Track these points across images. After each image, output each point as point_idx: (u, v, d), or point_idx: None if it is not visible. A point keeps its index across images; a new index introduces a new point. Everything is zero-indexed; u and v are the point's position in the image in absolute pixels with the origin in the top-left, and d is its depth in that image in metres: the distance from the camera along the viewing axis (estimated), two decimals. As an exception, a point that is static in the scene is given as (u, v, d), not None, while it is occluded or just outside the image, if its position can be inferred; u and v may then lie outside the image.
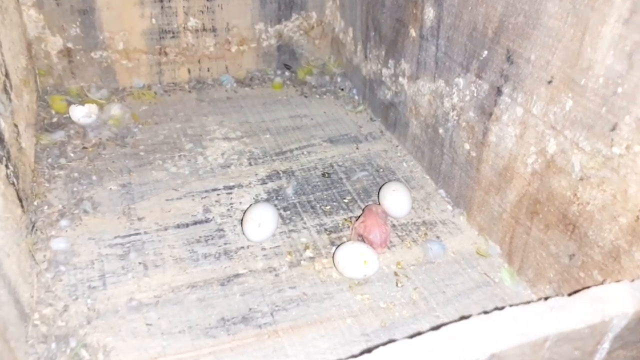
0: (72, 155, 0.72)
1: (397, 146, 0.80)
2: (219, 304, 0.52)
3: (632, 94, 0.41)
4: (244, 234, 0.60)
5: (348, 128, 0.84)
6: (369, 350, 0.32)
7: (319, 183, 0.71)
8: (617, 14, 0.42)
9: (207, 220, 0.63)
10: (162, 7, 0.85)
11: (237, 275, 0.56)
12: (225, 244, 0.60)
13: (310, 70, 0.99)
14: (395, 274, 0.57)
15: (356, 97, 0.93)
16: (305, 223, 0.64)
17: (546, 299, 0.37)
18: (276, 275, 0.56)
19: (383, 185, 0.68)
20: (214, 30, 0.91)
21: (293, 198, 0.68)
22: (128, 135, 0.78)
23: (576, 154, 0.47)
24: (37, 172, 0.68)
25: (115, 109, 0.80)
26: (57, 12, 0.80)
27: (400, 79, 0.77)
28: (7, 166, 0.53)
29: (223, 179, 0.71)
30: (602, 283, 0.45)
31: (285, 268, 0.57)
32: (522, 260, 0.57)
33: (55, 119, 0.79)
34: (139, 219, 0.62)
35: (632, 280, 0.38)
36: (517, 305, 0.36)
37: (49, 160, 0.70)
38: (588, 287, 0.39)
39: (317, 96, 0.93)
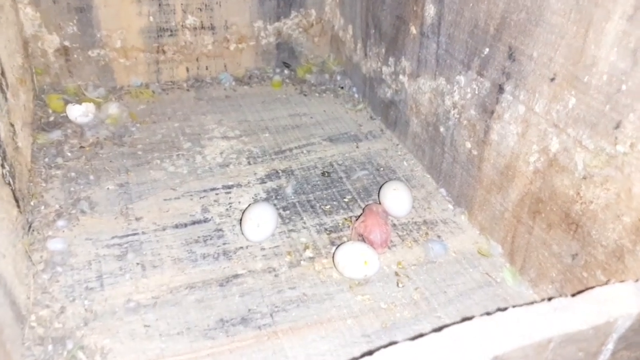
0: (69, 154, 0.71)
1: (397, 145, 0.80)
2: (217, 305, 0.52)
3: (636, 91, 0.41)
4: (243, 234, 0.60)
5: (348, 127, 0.84)
6: (370, 353, 0.32)
7: (318, 182, 0.71)
8: (621, 10, 0.41)
9: (205, 220, 0.63)
10: (159, 5, 0.85)
11: (236, 276, 0.55)
12: (224, 244, 0.59)
13: (310, 68, 0.98)
14: (396, 274, 0.57)
15: (356, 96, 0.92)
16: (305, 223, 0.63)
17: (549, 299, 0.36)
18: (276, 275, 0.56)
19: (383, 184, 0.67)
20: (212, 28, 0.90)
21: (292, 197, 0.68)
22: (126, 134, 0.77)
23: (579, 152, 0.47)
24: (34, 171, 0.67)
25: (112, 108, 0.79)
26: (54, 10, 0.79)
27: (401, 76, 0.76)
28: (3, 166, 0.53)
29: (222, 179, 0.70)
30: (606, 283, 0.45)
31: (284, 268, 0.57)
32: (524, 259, 0.56)
33: (52, 118, 0.78)
34: (137, 219, 0.62)
35: (637, 280, 0.37)
36: (519, 306, 0.36)
37: (46, 159, 0.70)
38: (591, 287, 0.39)
39: (317, 94, 0.92)
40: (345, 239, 0.61)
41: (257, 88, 0.93)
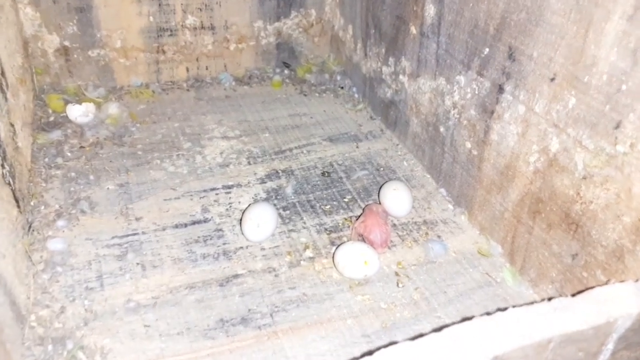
0: (69, 154, 0.71)
1: (397, 145, 0.80)
2: (217, 305, 0.52)
3: (636, 91, 0.41)
4: (243, 234, 0.60)
5: (348, 127, 0.84)
6: (370, 353, 0.32)
7: (318, 182, 0.71)
8: (621, 10, 0.41)
9: (205, 220, 0.63)
10: (159, 5, 0.85)
11: (236, 276, 0.55)
12: (224, 244, 0.59)
13: (310, 68, 0.98)
14: (396, 274, 0.57)
15: (356, 96, 0.92)
16: (305, 223, 0.63)
17: (549, 299, 0.36)
18: (276, 275, 0.56)
19: (383, 184, 0.67)
20: (212, 28, 0.90)
21: (292, 197, 0.68)
22: (126, 134, 0.77)
23: (579, 152, 0.47)
24: (34, 171, 0.67)
25: (112, 108, 0.79)
26: (54, 10, 0.79)
27: (401, 76, 0.76)
28: (3, 166, 0.53)
29: (222, 179, 0.70)
30: (606, 283, 0.45)
31: (284, 268, 0.57)
32: (524, 260, 0.56)
33: (52, 118, 0.78)
34: (137, 219, 0.62)
35: (637, 280, 0.37)
36: (519, 306, 0.36)
37: (46, 159, 0.70)
38: (591, 287, 0.39)
39: (317, 94, 0.92)
40: (345, 239, 0.61)
41: (257, 88, 0.93)
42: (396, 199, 0.64)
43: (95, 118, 0.77)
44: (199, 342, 0.48)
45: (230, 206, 0.65)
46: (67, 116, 0.77)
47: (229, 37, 0.92)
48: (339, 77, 0.96)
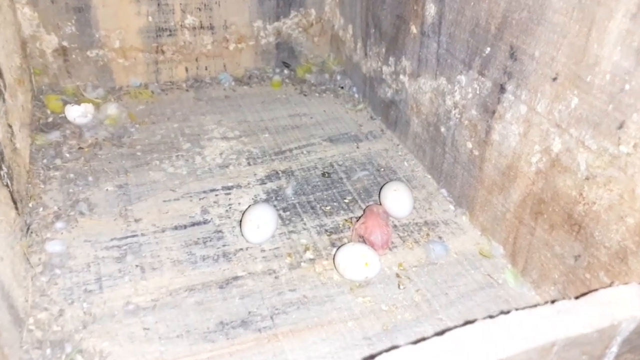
0: (67, 155, 0.71)
1: (398, 145, 0.79)
2: (217, 308, 0.51)
3: (640, 91, 0.40)
4: (242, 235, 0.59)
5: (348, 127, 0.83)
6: (372, 357, 0.31)
7: (318, 183, 0.70)
8: (624, 8, 0.41)
9: (205, 222, 0.62)
10: (158, 5, 0.84)
11: (236, 278, 0.55)
12: (223, 245, 0.59)
13: (310, 68, 0.98)
14: (397, 275, 0.56)
15: (356, 96, 0.92)
16: (305, 224, 0.63)
17: (553, 302, 0.36)
18: (276, 277, 0.55)
19: (384, 185, 0.67)
20: (211, 27, 0.89)
21: (293, 198, 0.67)
22: (125, 135, 0.76)
23: (582, 152, 0.46)
24: (32, 173, 0.67)
25: (111, 109, 0.79)
26: (52, 10, 0.79)
27: (401, 76, 0.76)
28: (0, 167, 0.52)
29: (221, 180, 0.70)
30: (609, 285, 0.45)
31: (285, 270, 0.56)
32: (526, 261, 0.56)
33: (50, 119, 0.78)
34: (136, 221, 0.61)
35: (641, 283, 0.37)
36: (522, 308, 0.36)
37: (44, 161, 0.69)
38: (594, 289, 0.38)
39: (317, 94, 0.92)
40: (345, 240, 0.61)
41: (257, 88, 0.93)
42: (397, 200, 0.63)
43: (94, 119, 0.77)
44: (198, 345, 0.48)
45: (230, 207, 0.65)
46: (65, 117, 0.77)
47: (229, 37, 0.92)
48: (339, 77, 0.95)
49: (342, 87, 0.94)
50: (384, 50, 0.80)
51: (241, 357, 0.47)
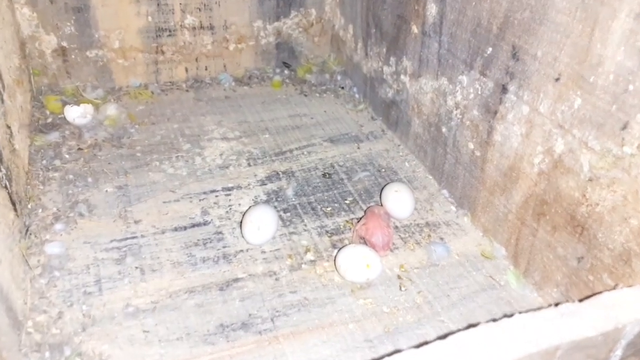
0: (67, 156, 0.71)
1: (399, 145, 0.79)
2: (217, 310, 0.51)
3: (644, 91, 0.40)
4: (243, 236, 0.59)
5: (349, 127, 0.83)
6: (373, 361, 0.31)
7: (319, 184, 0.70)
8: (628, 8, 0.40)
9: (205, 223, 0.62)
10: (158, 5, 0.84)
11: (236, 280, 0.54)
12: (224, 247, 0.59)
13: (310, 68, 0.97)
14: (399, 277, 0.56)
15: (357, 96, 0.91)
16: (305, 225, 0.63)
17: (556, 304, 0.36)
18: (276, 279, 0.55)
19: (385, 185, 0.66)
20: (211, 28, 0.89)
21: (293, 199, 0.67)
22: (124, 135, 0.76)
23: (585, 153, 0.46)
24: (31, 174, 0.67)
25: (111, 109, 0.78)
26: (51, 10, 0.79)
27: (402, 76, 0.76)
28: (-1, 169, 0.52)
29: (221, 180, 0.69)
30: (613, 288, 0.44)
31: (285, 272, 0.56)
32: (529, 262, 0.55)
33: (49, 120, 0.77)
34: (136, 222, 0.61)
35: (646, 285, 0.37)
36: (526, 311, 0.35)
37: (44, 162, 0.69)
38: (597, 291, 0.38)
39: (317, 95, 0.92)
40: (346, 241, 0.60)
41: (257, 88, 0.92)
42: (398, 201, 0.63)
43: (93, 119, 0.77)
44: (198, 348, 0.47)
45: (230, 208, 0.64)
46: (65, 117, 0.76)
47: (229, 37, 0.91)
48: (339, 77, 0.95)
49: (342, 88, 0.93)
50: (384, 50, 0.79)
51: (242, 360, 0.46)
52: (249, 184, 0.69)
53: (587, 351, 0.35)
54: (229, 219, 0.63)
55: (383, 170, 0.73)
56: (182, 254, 0.57)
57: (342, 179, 0.71)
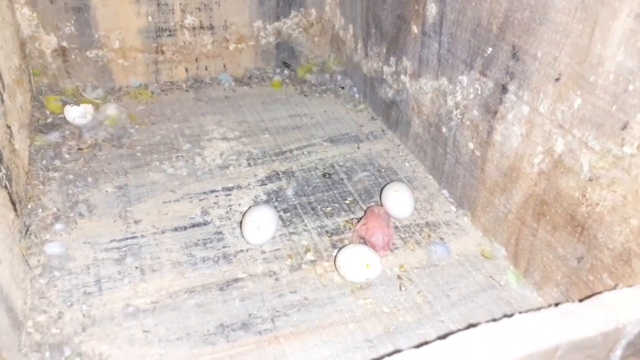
0: (67, 156, 0.71)
1: (399, 145, 0.79)
2: (217, 310, 0.51)
3: (644, 91, 0.40)
4: (243, 236, 0.59)
5: (349, 127, 0.83)
6: (373, 361, 0.31)
7: (319, 184, 0.70)
8: (628, 8, 0.40)
9: (205, 223, 0.62)
10: (158, 5, 0.84)
11: (236, 280, 0.54)
12: (224, 247, 0.59)
13: (310, 68, 0.97)
14: (399, 277, 0.56)
15: (357, 96, 0.91)
16: (305, 225, 0.63)
17: (556, 304, 0.36)
18: (276, 279, 0.55)
19: (385, 185, 0.66)
20: (211, 28, 0.89)
21: (293, 199, 0.67)
22: (124, 135, 0.76)
23: (585, 153, 0.46)
24: (31, 174, 0.67)
25: (111, 109, 0.78)
26: (51, 10, 0.79)
27: (402, 76, 0.76)
28: (-1, 169, 0.52)
29: (221, 180, 0.69)
30: (613, 288, 0.44)
31: (285, 272, 0.56)
32: (529, 262, 0.55)
33: (49, 120, 0.77)
34: (136, 222, 0.61)
35: (646, 285, 0.37)
36: (525, 311, 0.35)
37: (44, 162, 0.69)
38: (597, 291, 0.38)
39: (317, 95, 0.92)
40: (346, 241, 0.60)
41: (257, 88, 0.92)
42: (398, 201, 0.63)
43: (93, 119, 0.77)
44: (199, 348, 0.47)
45: (230, 208, 0.64)
46: (65, 117, 0.76)
47: (229, 37, 0.91)
48: (339, 77, 0.95)
49: (342, 88, 0.93)
50: (384, 50, 0.79)
51: (242, 360, 0.46)
52: (249, 184, 0.69)
53: (587, 351, 0.35)
54: (229, 219, 0.63)
55: (383, 170, 0.73)
56: (182, 254, 0.57)
57: (342, 179, 0.71)
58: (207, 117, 0.83)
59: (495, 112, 0.57)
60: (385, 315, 0.51)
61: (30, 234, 0.57)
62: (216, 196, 0.66)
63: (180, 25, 0.87)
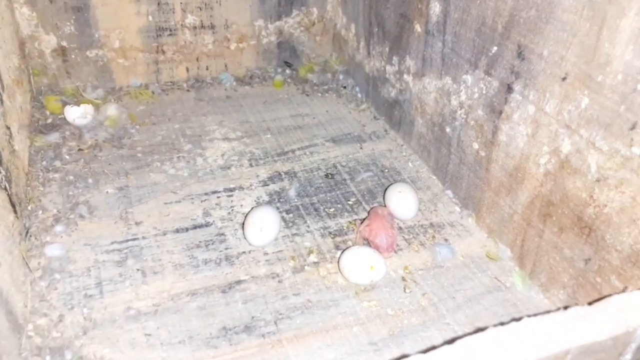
0: (67, 157, 0.70)
1: (402, 145, 0.78)
2: (220, 313, 0.50)
3: (653, 91, 0.39)
4: (245, 238, 0.58)
5: (351, 127, 0.82)
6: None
7: (322, 184, 0.69)
8: (637, 6, 0.40)
9: (207, 224, 0.61)
10: (158, 4, 0.83)
11: (238, 282, 0.54)
12: (226, 249, 0.58)
13: (312, 67, 0.97)
14: (403, 279, 0.55)
15: (359, 95, 0.91)
16: (308, 226, 0.62)
17: (565, 308, 0.35)
18: (279, 281, 0.54)
19: (388, 186, 0.66)
20: (212, 27, 0.88)
21: (296, 200, 0.66)
22: (125, 136, 0.75)
23: (592, 154, 0.45)
24: (31, 175, 0.66)
25: (111, 109, 0.78)
26: (51, 10, 0.78)
27: (405, 76, 0.75)
28: (-2, 170, 0.51)
29: (223, 181, 0.69)
30: (622, 290, 0.44)
31: (288, 274, 0.55)
32: (534, 264, 0.55)
33: (49, 120, 0.77)
34: (137, 224, 0.60)
35: (656, 288, 0.36)
36: (534, 314, 0.35)
37: (44, 162, 0.68)
38: (605, 293, 0.37)
39: (319, 94, 0.91)
40: (350, 243, 0.60)
41: (259, 88, 0.92)
42: (402, 202, 0.62)
43: (93, 120, 0.76)
44: (201, 351, 0.47)
45: (232, 210, 0.64)
46: (65, 118, 0.76)
47: (230, 36, 0.91)
48: (341, 77, 0.94)
49: (344, 87, 0.93)
50: (387, 49, 0.79)
51: (245, 364, 0.46)
52: (251, 185, 0.68)
53: (597, 355, 0.34)
54: (231, 220, 0.62)
55: (386, 170, 0.73)
56: (183, 256, 0.57)
57: (344, 180, 0.71)
58: (209, 117, 0.82)
59: (501, 112, 0.56)
60: (389, 318, 0.51)
61: (31, 236, 0.57)
62: (218, 197, 0.66)
63: (181, 25, 0.86)
